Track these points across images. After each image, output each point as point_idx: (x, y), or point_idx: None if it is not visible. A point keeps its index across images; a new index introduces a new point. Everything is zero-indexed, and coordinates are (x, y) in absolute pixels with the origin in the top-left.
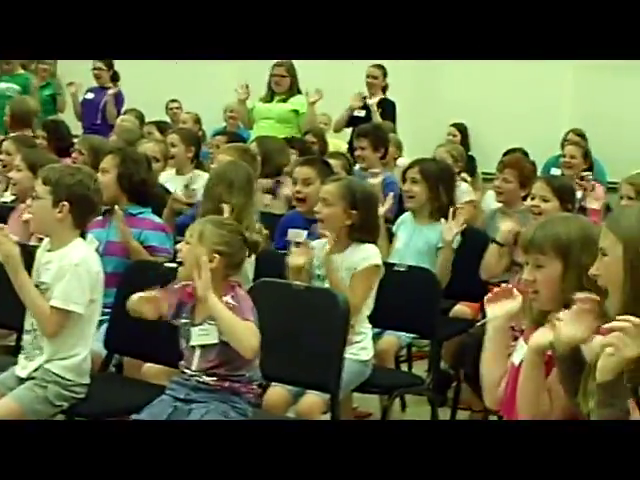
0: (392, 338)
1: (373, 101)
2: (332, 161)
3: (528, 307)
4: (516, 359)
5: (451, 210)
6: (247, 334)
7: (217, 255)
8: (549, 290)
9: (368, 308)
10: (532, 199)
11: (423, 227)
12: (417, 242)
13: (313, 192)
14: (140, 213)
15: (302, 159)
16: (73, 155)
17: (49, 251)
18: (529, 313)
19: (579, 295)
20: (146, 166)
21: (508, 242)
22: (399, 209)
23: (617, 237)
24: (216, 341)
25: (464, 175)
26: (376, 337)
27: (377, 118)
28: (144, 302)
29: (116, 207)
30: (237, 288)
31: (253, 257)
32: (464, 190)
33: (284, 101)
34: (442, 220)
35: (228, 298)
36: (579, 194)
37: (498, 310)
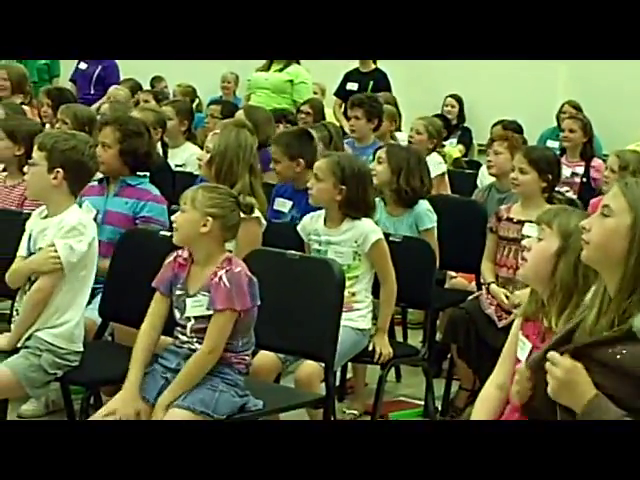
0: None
1: None
2: (313, 132)
3: (529, 302)
4: (521, 356)
5: None
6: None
7: (210, 218)
8: (537, 262)
9: (371, 280)
10: (513, 171)
11: (398, 217)
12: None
13: (282, 169)
14: (139, 184)
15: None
16: (57, 125)
17: (44, 218)
18: (524, 306)
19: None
20: (147, 138)
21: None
22: None
23: (628, 205)
24: (210, 312)
25: (459, 146)
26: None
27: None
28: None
29: None
30: (234, 261)
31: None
32: (435, 161)
33: (280, 71)
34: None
35: (222, 273)
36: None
37: None
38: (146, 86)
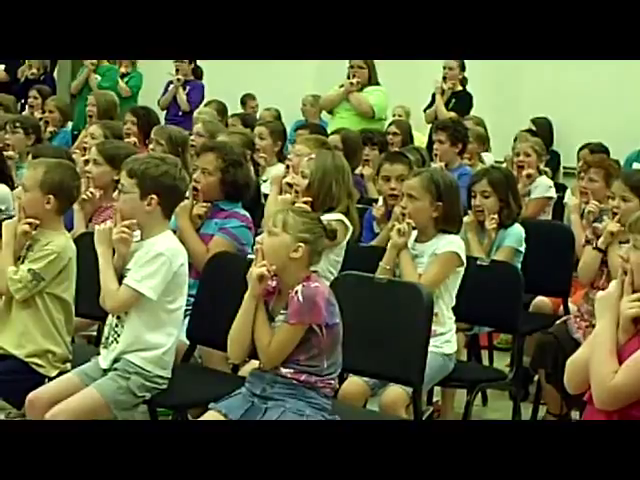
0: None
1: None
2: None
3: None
4: None
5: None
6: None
7: (302, 244)
8: (638, 271)
9: (452, 300)
10: (612, 199)
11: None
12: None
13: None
14: (231, 208)
15: (389, 155)
16: (150, 146)
17: (138, 241)
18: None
19: None
20: (247, 169)
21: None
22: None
23: None
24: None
25: (546, 169)
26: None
27: (441, 109)
28: None
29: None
30: (312, 277)
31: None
32: (545, 185)
33: (360, 91)
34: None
35: (299, 288)
36: None
37: None
38: (236, 104)
